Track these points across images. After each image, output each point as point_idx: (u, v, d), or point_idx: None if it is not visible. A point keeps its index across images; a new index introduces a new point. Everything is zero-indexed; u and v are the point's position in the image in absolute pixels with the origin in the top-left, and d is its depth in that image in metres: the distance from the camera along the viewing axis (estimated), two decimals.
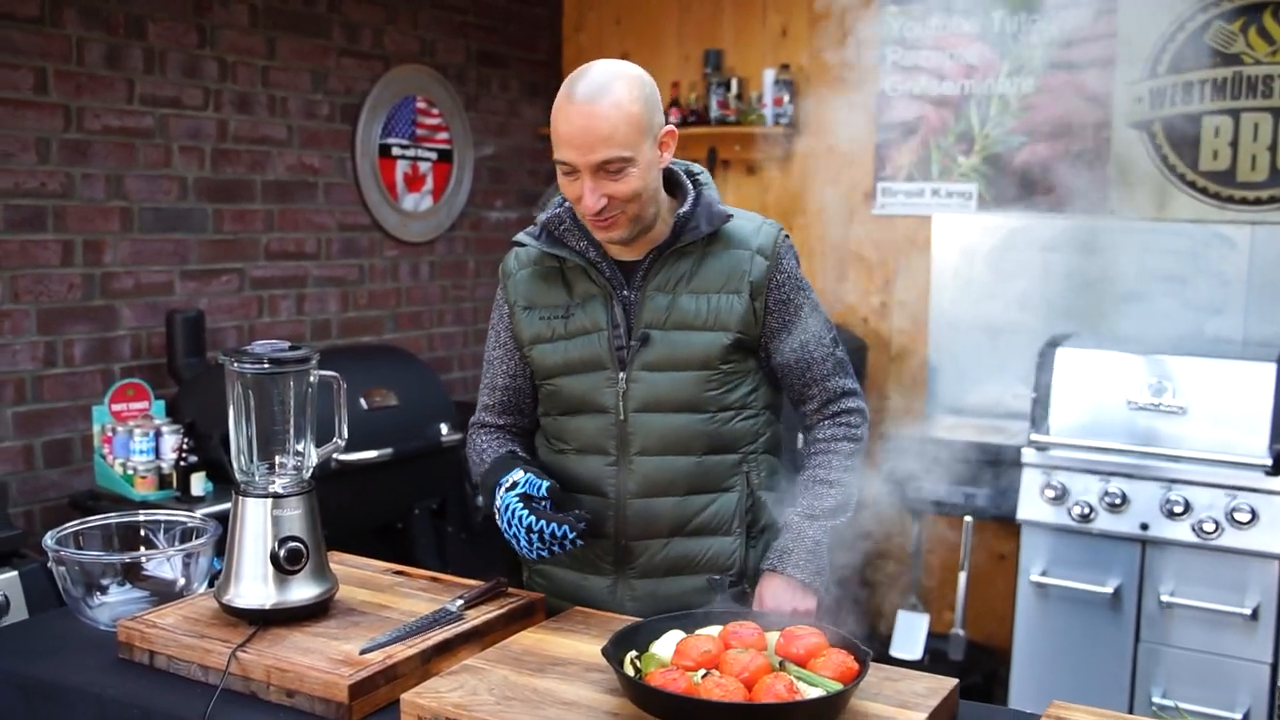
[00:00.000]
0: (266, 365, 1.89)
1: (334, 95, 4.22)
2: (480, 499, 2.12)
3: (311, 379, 1.94)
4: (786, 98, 4.63)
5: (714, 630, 1.73)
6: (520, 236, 2.14)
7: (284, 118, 4.04)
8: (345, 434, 2.02)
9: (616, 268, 2.07)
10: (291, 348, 1.93)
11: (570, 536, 1.92)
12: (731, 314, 2.03)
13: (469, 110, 4.80)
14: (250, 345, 1.93)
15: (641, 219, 1.99)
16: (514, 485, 1.98)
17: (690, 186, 2.08)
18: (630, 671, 1.62)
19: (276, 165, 4.04)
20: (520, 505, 1.95)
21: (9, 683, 1.86)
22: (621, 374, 2.05)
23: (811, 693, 1.54)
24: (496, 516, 2.00)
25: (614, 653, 1.64)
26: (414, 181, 4.58)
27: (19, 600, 2.71)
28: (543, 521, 1.92)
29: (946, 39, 4.43)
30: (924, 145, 4.50)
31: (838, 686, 1.54)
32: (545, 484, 1.97)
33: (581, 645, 1.82)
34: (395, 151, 4.48)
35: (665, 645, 1.69)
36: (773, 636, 1.70)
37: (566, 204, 2.07)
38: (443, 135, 4.69)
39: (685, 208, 2.03)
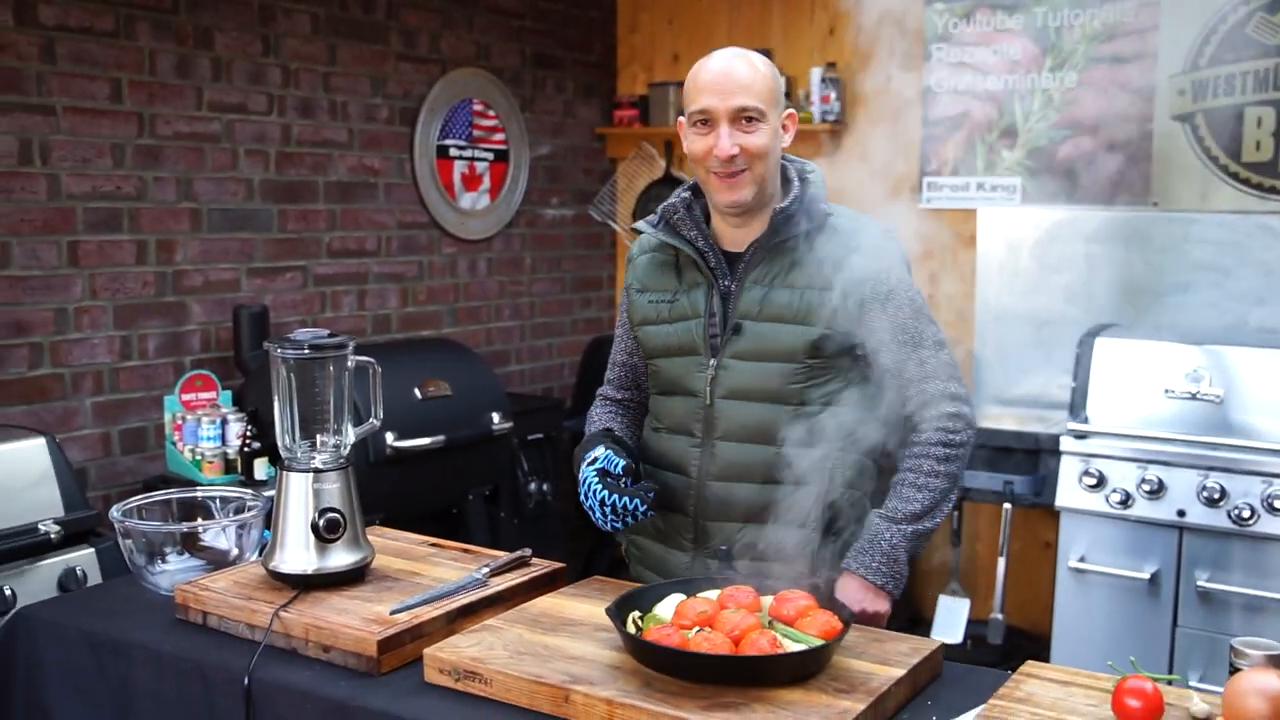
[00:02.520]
0: (307, 350, 2.05)
1: (393, 99, 4.40)
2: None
3: (349, 364, 2.10)
4: (833, 95, 4.71)
5: (714, 594, 1.85)
6: (639, 225, 2.25)
7: (345, 121, 4.22)
8: (380, 415, 2.17)
9: (723, 258, 2.14)
10: (330, 335, 2.09)
11: (640, 509, 2.05)
12: (822, 309, 2.05)
13: (525, 111, 4.95)
14: (293, 333, 2.10)
15: (764, 186, 2.07)
16: (594, 461, 2.10)
17: (797, 182, 2.13)
18: (631, 630, 1.75)
19: (338, 167, 4.22)
20: (596, 480, 2.07)
21: (81, 640, 2.05)
22: (712, 361, 2.12)
23: (794, 648, 1.65)
24: (579, 489, 2.11)
25: (617, 612, 1.77)
26: (471, 181, 4.73)
27: (95, 575, 2.90)
28: (615, 495, 2.04)
29: (990, 35, 4.48)
30: (969, 140, 4.56)
31: (819, 643, 1.66)
32: (623, 463, 2.08)
33: (594, 609, 1.94)
34: (453, 152, 4.64)
35: (667, 607, 1.82)
36: (768, 600, 1.82)
37: (683, 195, 2.17)
38: (499, 136, 4.84)
39: (784, 203, 2.09)
